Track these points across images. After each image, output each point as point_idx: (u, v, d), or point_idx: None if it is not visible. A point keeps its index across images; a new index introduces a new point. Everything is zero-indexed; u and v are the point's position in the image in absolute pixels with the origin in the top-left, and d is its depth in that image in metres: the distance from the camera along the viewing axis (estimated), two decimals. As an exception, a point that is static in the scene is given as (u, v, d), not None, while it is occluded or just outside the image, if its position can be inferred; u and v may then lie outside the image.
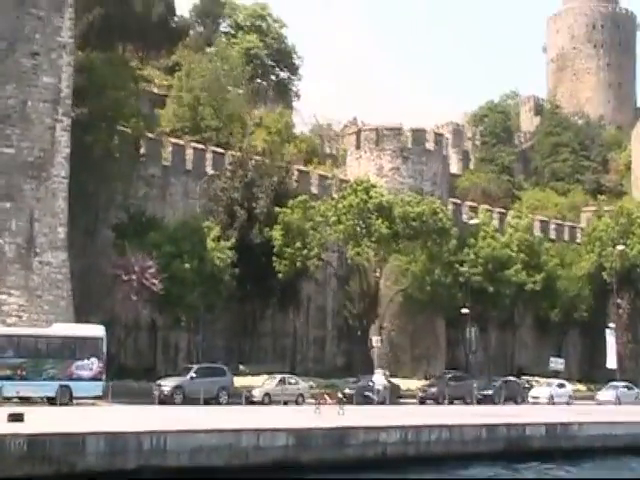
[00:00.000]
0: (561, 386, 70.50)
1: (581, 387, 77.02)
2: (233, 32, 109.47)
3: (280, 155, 75.30)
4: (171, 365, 62.77)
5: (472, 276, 73.68)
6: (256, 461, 35.07)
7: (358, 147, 76.36)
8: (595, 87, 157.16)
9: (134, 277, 55.58)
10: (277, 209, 65.14)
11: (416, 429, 41.66)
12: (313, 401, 50.92)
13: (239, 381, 59.09)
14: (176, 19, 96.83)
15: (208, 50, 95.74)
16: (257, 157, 70.99)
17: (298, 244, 63.44)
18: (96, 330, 51.45)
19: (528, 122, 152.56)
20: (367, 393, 59.43)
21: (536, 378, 73.47)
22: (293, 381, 58.77)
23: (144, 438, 34.02)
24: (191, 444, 34.85)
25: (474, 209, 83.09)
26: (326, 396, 51.23)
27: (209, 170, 69.66)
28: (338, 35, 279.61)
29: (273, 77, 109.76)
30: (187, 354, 65.23)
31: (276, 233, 64.13)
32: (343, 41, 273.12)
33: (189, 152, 69.84)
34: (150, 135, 68.44)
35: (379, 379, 61.06)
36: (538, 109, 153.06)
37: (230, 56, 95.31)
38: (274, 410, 50.97)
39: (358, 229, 63.41)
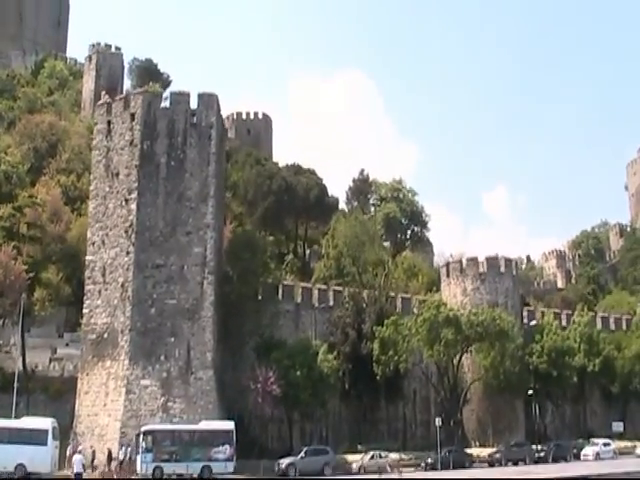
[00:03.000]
0: (606, 445, 64.87)
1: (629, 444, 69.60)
2: (378, 203, 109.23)
3: (390, 287, 73.50)
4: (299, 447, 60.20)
5: (539, 364, 69.55)
6: None
7: (448, 275, 74.00)
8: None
9: (259, 385, 54.85)
10: (377, 327, 62.97)
11: None
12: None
13: (352, 458, 56.73)
14: (328, 198, 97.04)
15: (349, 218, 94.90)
16: (368, 290, 69.24)
17: (390, 352, 60.78)
18: (228, 425, 51.68)
19: (615, 243, 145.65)
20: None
21: (602, 440, 66.70)
22: (383, 455, 55.80)
23: None
24: None
25: (542, 313, 78.76)
26: (387, 467, 48.62)
27: (331, 303, 68.16)
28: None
29: (409, 231, 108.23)
30: (310, 439, 62.19)
31: (375, 345, 61.63)
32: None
33: (315, 292, 68.58)
34: (285, 282, 68.08)
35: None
36: (622, 232, 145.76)
37: (366, 221, 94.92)
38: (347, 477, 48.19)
39: (430, 337, 60.01)
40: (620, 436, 71.45)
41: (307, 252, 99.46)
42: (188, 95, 59.63)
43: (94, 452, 51.39)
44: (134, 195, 56.98)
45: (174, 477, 48.93)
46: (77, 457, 35.83)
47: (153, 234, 56.60)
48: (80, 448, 49.31)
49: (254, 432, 58.64)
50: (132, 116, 58.56)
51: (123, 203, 57.39)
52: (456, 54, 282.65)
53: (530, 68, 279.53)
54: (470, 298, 71.78)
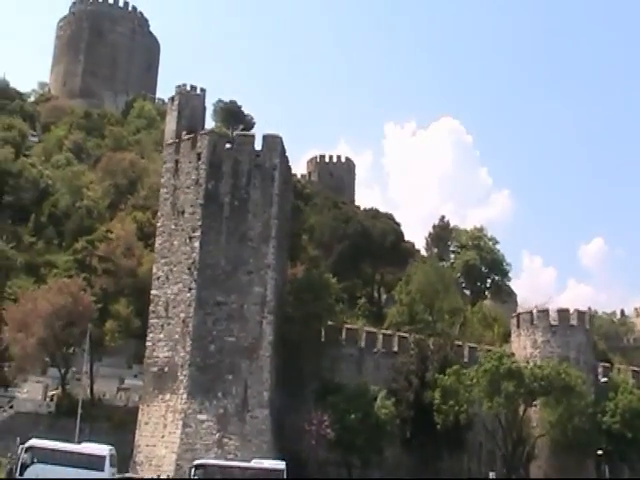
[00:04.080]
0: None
1: None
2: (458, 250, 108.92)
3: (465, 336, 73.44)
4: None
5: (612, 424, 67.50)
6: None
7: (518, 326, 73.15)
8: None
9: (313, 428, 55.41)
10: (440, 376, 62.88)
11: None
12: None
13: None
14: (405, 244, 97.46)
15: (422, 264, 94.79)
16: (434, 337, 69.09)
17: (451, 402, 60.50)
18: (279, 465, 51.91)
19: None
20: None
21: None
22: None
23: None
24: None
25: (609, 369, 76.32)
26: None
27: (395, 349, 68.18)
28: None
29: (488, 280, 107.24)
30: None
31: (436, 394, 61.57)
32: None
33: (379, 337, 68.82)
34: (349, 326, 68.54)
35: None
36: None
37: (441, 268, 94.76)
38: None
39: (491, 389, 59.41)
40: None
41: (383, 297, 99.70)
42: (253, 137, 61.89)
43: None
44: (198, 233, 59.19)
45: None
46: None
47: (215, 272, 58.59)
48: None
49: (311, 475, 59.02)
50: (198, 156, 61.06)
51: (187, 241, 59.59)
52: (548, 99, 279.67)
53: (620, 110, 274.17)
54: (540, 351, 70.45)
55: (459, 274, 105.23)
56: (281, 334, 59.59)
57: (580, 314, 73.26)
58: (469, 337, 79.39)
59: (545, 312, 72.90)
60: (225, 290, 58.30)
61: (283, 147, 62.52)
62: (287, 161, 65.96)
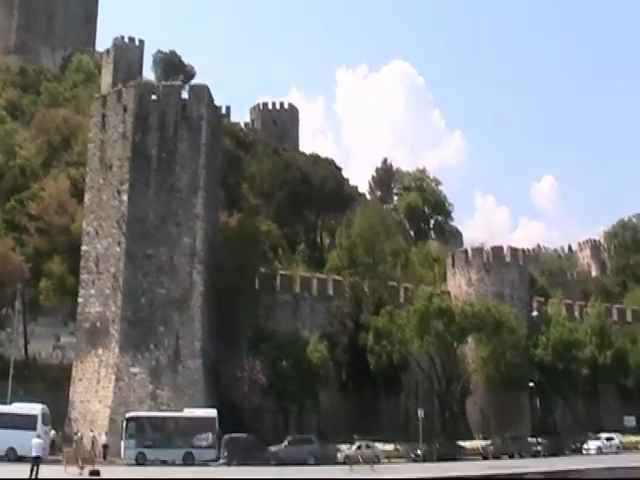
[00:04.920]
0: (609, 439, 64.28)
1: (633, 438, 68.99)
2: (401, 192, 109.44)
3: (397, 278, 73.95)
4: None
5: (544, 357, 69.24)
6: None
7: (453, 265, 74.21)
8: None
9: (245, 375, 56.00)
10: (373, 317, 63.62)
11: None
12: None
13: (343, 448, 56.88)
14: (347, 189, 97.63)
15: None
16: (368, 280, 69.61)
17: (384, 342, 61.37)
18: (211, 413, 52.91)
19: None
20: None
21: (605, 434, 66.13)
22: (370, 446, 56.09)
23: None
24: None
25: (543, 303, 78.20)
26: (359, 457, 49.20)
27: (330, 293, 68.69)
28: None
29: (432, 221, 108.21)
30: (307, 429, 62.65)
31: (369, 336, 62.32)
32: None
33: (314, 282, 69.17)
34: (283, 272, 68.78)
35: None
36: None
37: (382, 210, 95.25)
38: (326, 468, 48.49)
39: (421, 328, 60.33)
40: (635, 431, 70.78)
41: (326, 242, 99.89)
42: (179, 87, 61.32)
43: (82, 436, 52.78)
44: (126, 187, 58.82)
45: (158, 463, 50.29)
46: (36, 441, 37.18)
47: (144, 225, 58.41)
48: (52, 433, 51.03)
49: (248, 422, 59.56)
50: (125, 109, 60.28)
51: (116, 195, 59.22)
52: (508, 42, 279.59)
53: (581, 59, 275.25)
54: (475, 288, 71.94)
55: (402, 216, 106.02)
56: (213, 284, 59.57)
57: (513, 251, 74.48)
58: (410, 278, 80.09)
59: (479, 250, 74.04)
60: (154, 243, 58.14)
61: (211, 97, 62.03)
62: (216, 111, 65.68)
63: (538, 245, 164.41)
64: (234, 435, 52.20)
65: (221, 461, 51.62)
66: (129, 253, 57.81)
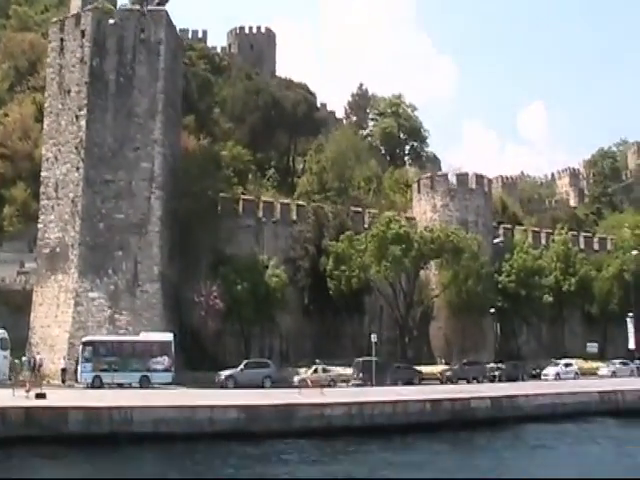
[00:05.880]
0: (567, 365, 65.49)
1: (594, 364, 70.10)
2: (377, 118, 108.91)
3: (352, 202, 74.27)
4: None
5: (507, 283, 69.97)
6: (211, 429, 34.76)
7: (419, 192, 74.17)
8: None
9: (202, 299, 56.49)
10: (333, 242, 64.07)
11: (360, 405, 39.91)
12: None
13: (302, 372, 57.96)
14: (319, 113, 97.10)
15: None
16: (331, 205, 69.95)
17: (343, 267, 61.89)
18: (167, 336, 53.46)
19: (634, 163, 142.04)
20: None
21: (563, 360, 67.21)
22: (327, 369, 57.09)
23: (114, 411, 34.62)
24: (153, 416, 34.93)
25: (509, 230, 78.89)
26: (308, 381, 50.00)
27: (294, 218, 69.04)
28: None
29: (407, 147, 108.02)
30: (270, 353, 64.12)
31: (329, 260, 62.72)
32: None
33: (277, 206, 69.28)
34: (245, 197, 68.87)
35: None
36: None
37: (353, 135, 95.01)
38: (276, 392, 49.16)
39: (379, 253, 60.75)
40: (597, 357, 72.19)
41: (299, 167, 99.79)
42: (138, 12, 60.48)
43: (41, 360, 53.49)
44: (84, 112, 58.60)
45: (114, 385, 51.05)
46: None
47: (102, 150, 58.37)
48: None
49: (209, 345, 60.47)
50: (82, 33, 59.80)
51: (74, 120, 59.06)
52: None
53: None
54: (439, 215, 71.96)
55: (378, 142, 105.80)
56: (173, 209, 59.73)
57: (479, 178, 74.40)
58: (382, 204, 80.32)
59: (444, 176, 74.10)
60: (113, 168, 58.17)
61: (169, 20, 61.37)
62: (175, 36, 64.79)
63: (522, 172, 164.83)
64: (367, 358, 56.15)
65: (355, 382, 55.32)
66: (87, 178, 57.86)
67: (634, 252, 73.51)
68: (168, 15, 61.01)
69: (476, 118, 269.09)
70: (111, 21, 60.07)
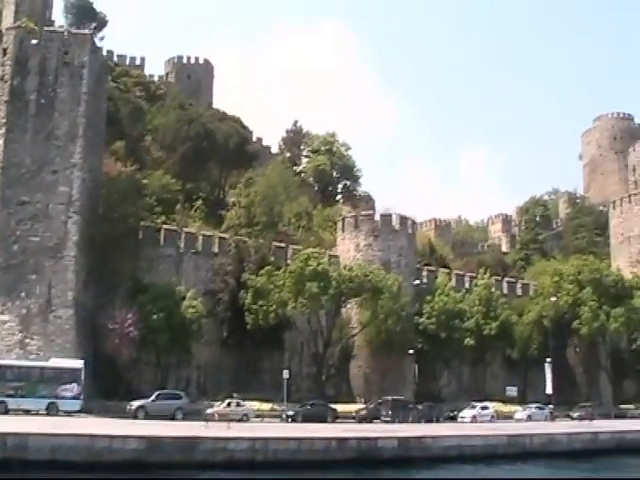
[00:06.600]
0: (484, 408, 66.14)
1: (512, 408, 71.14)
2: (311, 155, 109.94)
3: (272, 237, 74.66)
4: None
5: (428, 325, 70.83)
6: (110, 459, 34.15)
7: (343, 230, 74.59)
8: (617, 183, 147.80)
9: (117, 327, 55.99)
10: (252, 276, 64.24)
11: (265, 440, 39.67)
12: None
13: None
14: (251, 147, 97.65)
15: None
16: (253, 239, 70.14)
17: (261, 302, 61.91)
18: (77, 363, 52.90)
19: (564, 211, 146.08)
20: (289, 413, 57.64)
21: (480, 403, 67.79)
22: (240, 404, 56.93)
23: (8, 438, 33.90)
24: (50, 444, 34.27)
25: (432, 272, 79.86)
26: (215, 415, 49.95)
27: (215, 250, 68.92)
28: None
29: (340, 185, 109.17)
30: (187, 385, 63.56)
31: (248, 294, 62.81)
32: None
33: (199, 238, 69.07)
34: (167, 227, 68.67)
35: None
36: (572, 201, 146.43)
37: (284, 171, 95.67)
38: (184, 424, 48.77)
39: (297, 290, 61.01)
40: (517, 400, 73.07)
41: (231, 200, 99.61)
42: (62, 33, 60.43)
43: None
44: (2, 131, 58.26)
45: (20, 412, 50.08)
46: None
47: (19, 171, 57.82)
48: None
49: (124, 374, 59.65)
50: (4, 51, 59.42)
51: (-8, 139, 58.29)
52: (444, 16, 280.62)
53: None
54: (362, 254, 72.27)
55: (311, 178, 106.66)
56: (90, 234, 59.17)
57: (402, 219, 75.09)
58: (310, 240, 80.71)
59: (369, 216, 74.70)
60: (30, 189, 57.55)
61: (94, 45, 61.43)
62: (101, 60, 64.77)
63: (459, 216, 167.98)
64: (395, 397, 61.28)
65: (385, 419, 58.83)
66: (3, 198, 57.20)
67: (553, 298, 74.80)
68: (93, 39, 61.30)
69: (419, 158, 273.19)
70: (34, 41, 59.75)
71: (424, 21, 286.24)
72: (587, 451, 49.55)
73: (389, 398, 60.61)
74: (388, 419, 58.60)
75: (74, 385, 51.56)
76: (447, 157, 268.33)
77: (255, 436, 40.46)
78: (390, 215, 74.62)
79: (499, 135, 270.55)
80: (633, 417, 73.14)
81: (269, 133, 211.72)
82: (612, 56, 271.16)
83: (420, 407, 63.22)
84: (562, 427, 57.51)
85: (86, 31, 61.22)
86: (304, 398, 64.26)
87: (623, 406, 77.42)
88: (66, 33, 61.02)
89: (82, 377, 51.86)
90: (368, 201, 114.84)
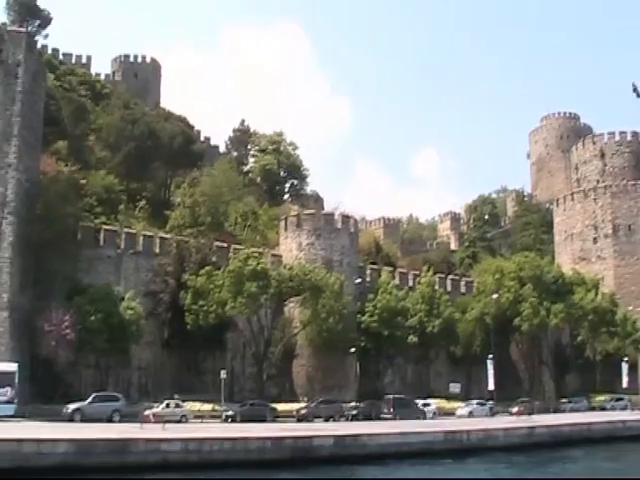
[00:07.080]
0: (426, 405, 66.74)
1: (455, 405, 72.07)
2: (258, 154, 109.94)
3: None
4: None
5: (370, 323, 71.24)
6: (38, 464, 33.89)
7: (285, 229, 74.76)
8: (564, 181, 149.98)
9: (53, 329, 55.43)
10: (192, 277, 64.05)
11: (199, 441, 39.67)
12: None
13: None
14: (195, 147, 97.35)
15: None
16: (194, 240, 69.87)
17: (201, 302, 61.81)
18: (11, 366, 52.04)
19: (512, 209, 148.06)
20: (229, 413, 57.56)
21: (422, 400, 68.23)
22: (180, 405, 56.78)
23: None
24: None
25: (376, 271, 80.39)
26: (151, 416, 49.89)
27: (157, 250, 68.60)
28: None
29: (287, 185, 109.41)
30: (128, 386, 63.38)
31: (187, 295, 62.74)
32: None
33: (140, 238, 68.74)
34: (107, 227, 68.10)
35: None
36: (519, 199, 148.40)
37: (228, 170, 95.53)
38: (119, 426, 48.53)
39: (236, 289, 61.01)
40: (461, 397, 74.09)
41: (177, 200, 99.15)
42: (-2, 32, 59.56)
43: None
44: None
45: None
46: None
47: (-48, 171, 56.92)
48: None
49: (63, 376, 59.11)
50: (-64, 50, 58.43)
51: None
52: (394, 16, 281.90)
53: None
54: (305, 253, 72.51)
55: (258, 178, 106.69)
56: (28, 236, 58.54)
57: (345, 218, 75.65)
58: (256, 240, 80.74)
59: (311, 215, 74.93)
60: (-37, 190, 56.84)
61: (30, 43, 60.73)
62: (38, 58, 64.08)
63: (410, 215, 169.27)
64: (397, 395, 64.81)
65: (386, 416, 61.14)
66: None
67: (494, 296, 75.73)
68: (29, 37, 60.44)
69: (371, 159, 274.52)
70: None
71: (377, 23, 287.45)
72: (524, 445, 50.72)
73: (390, 397, 63.79)
74: (389, 416, 60.89)
75: (7, 389, 50.89)
76: (400, 158, 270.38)
77: (189, 437, 40.55)
78: (332, 214, 75.11)
79: (451, 136, 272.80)
80: (568, 410, 74.86)
81: (218, 133, 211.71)
82: (560, 55, 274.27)
83: (362, 405, 63.81)
84: (500, 422, 58.45)
85: (22, 29, 60.31)
86: (247, 398, 64.44)
87: (564, 400, 78.88)
88: (0, 30, 60.24)
89: (16, 380, 51.22)
90: (317, 200, 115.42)
